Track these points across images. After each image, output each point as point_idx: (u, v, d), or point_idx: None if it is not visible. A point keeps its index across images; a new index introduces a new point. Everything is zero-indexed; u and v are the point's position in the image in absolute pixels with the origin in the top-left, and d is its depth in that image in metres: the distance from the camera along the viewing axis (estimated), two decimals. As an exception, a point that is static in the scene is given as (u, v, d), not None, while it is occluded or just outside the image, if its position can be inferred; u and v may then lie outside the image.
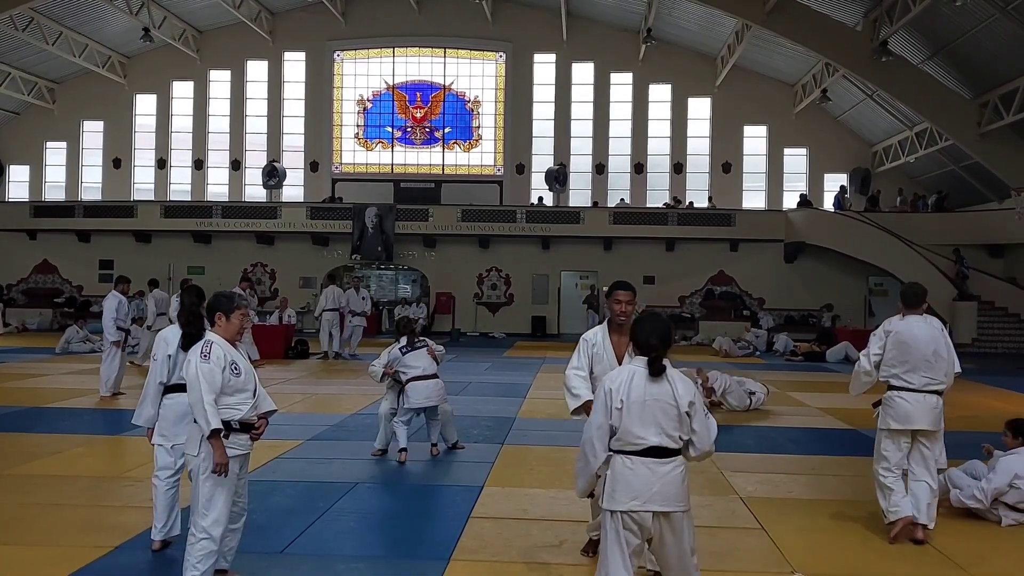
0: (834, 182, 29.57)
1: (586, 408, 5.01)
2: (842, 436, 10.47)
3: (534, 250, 27.84)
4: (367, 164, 31.54)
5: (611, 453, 4.01)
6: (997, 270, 24.94)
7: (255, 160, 31.21)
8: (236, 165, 31.29)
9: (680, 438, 3.95)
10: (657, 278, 27.34)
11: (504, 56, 30.77)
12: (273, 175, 30.46)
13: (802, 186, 29.55)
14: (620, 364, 4.88)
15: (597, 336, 5.31)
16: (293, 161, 31.32)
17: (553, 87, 30.53)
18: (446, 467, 8.35)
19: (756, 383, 12.32)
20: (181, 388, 5.15)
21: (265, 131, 31.24)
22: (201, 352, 4.72)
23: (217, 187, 31.28)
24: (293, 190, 31.20)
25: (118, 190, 30.77)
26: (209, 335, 4.85)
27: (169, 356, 5.55)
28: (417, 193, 29.99)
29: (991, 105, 21.87)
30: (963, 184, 26.40)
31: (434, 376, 8.63)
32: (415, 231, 27.93)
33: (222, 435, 4.66)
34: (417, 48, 31.18)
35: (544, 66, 30.61)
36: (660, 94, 30.17)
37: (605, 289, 23.05)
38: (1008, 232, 24.09)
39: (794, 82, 28.82)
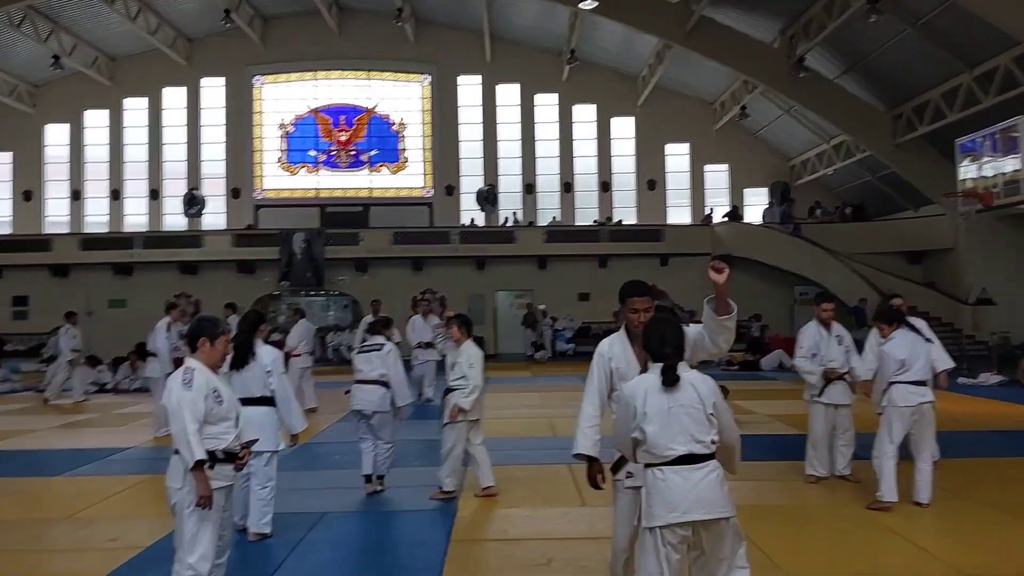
0: (755, 196, 30.35)
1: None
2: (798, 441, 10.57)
3: (468, 271, 27.68)
4: (291, 189, 31.00)
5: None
6: (916, 276, 25.85)
7: (174, 189, 30.36)
8: (155, 194, 30.35)
9: (712, 441, 3.81)
10: (592, 295, 27.47)
11: (429, 78, 30.70)
12: (194, 203, 29.66)
13: (724, 201, 30.18)
14: None
15: (615, 349, 4.45)
16: (214, 188, 30.56)
17: (480, 108, 30.60)
18: (412, 492, 8.01)
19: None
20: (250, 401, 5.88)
21: (184, 158, 30.43)
22: (183, 380, 4.45)
23: (135, 217, 30.28)
24: (214, 218, 30.38)
25: (29, 223, 29.47)
26: (190, 362, 4.57)
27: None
28: (344, 217, 29.56)
29: (905, 117, 22.75)
30: (880, 194, 27.37)
31: (377, 383, 7.84)
32: (346, 255, 27.48)
33: (206, 466, 4.39)
34: (340, 71, 30.89)
35: (469, 88, 30.65)
36: (585, 114, 30.52)
37: (542, 307, 22.75)
38: (925, 239, 25.10)
39: (714, 100, 29.52)
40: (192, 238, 27.96)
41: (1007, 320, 22.11)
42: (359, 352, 8.18)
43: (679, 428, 3.76)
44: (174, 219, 30.15)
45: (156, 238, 27.92)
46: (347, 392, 8.13)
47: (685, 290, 27.61)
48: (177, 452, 4.47)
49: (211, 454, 4.44)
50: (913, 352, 6.97)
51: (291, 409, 6.43)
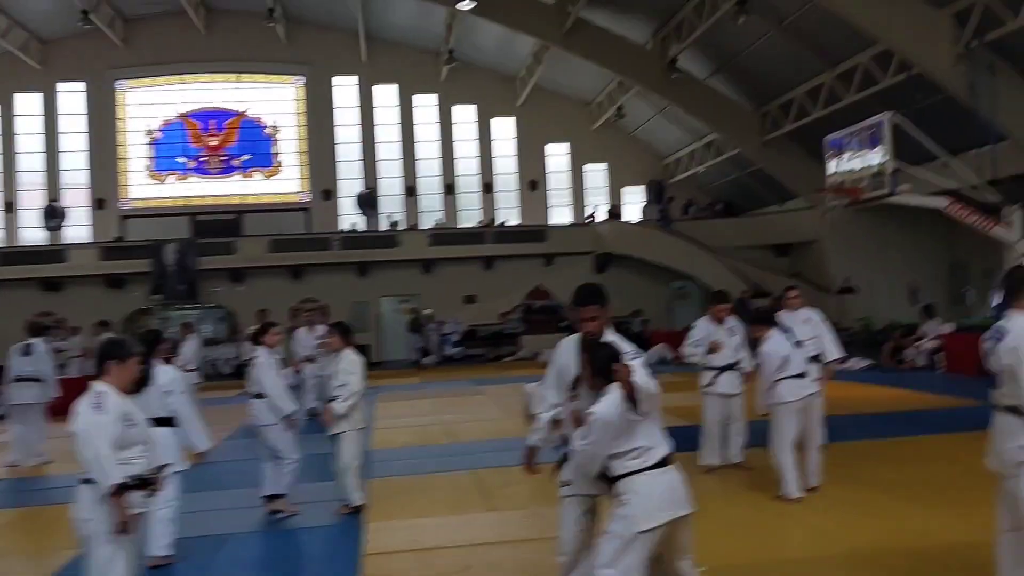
0: (632, 195, 31.10)
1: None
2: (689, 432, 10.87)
3: (351, 277, 27.16)
4: (160, 198, 29.65)
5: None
6: (783, 268, 27.07)
7: (31, 200, 28.53)
8: (9, 207, 28.44)
9: None
10: (478, 297, 27.53)
11: (302, 80, 29.97)
12: (54, 215, 27.98)
13: (604, 200, 30.76)
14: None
15: (569, 349, 4.50)
16: (76, 199, 28.87)
17: (357, 110, 30.09)
18: (316, 507, 7.72)
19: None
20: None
21: (42, 168, 28.66)
22: (93, 403, 4.18)
23: (-12, 232, 28.34)
24: (78, 230, 28.73)
25: None
26: (99, 385, 4.30)
27: None
28: (216, 226, 28.47)
29: (771, 115, 23.79)
30: (748, 190, 28.53)
31: (261, 396, 7.61)
32: (220, 265, 26.51)
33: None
34: (208, 74, 29.75)
35: (345, 89, 30.10)
36: (465, 115, 30.49)
37: (428, 311, 22.56)
38: (791, 232, 26.34)
39: (591, 100, 30.05)
40: (54, 252, 26.37)
41: (868, 307, 23.45)
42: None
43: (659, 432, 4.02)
44: (32, 233, 28.36)
45: (14, 253, 26.18)
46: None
47: (569, 288, 27.96)
48: (86, 481, 4.20)
49: (123, 481, 4.19)
50: (790, 348, 7.29)
51: (195, 428, 6.35)
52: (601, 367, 4.00)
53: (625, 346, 4.20)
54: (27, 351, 11.38)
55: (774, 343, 7.25)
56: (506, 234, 28.07)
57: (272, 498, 7.56)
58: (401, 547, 6.42)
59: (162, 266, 26.04)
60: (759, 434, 8.88)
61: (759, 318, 7.72)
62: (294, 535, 7.14)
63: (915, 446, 9.44)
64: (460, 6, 22.70)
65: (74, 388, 14.93)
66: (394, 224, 28.66)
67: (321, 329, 14.21)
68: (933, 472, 8.06)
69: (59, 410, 13.19)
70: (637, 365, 4.07)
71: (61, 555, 6.60)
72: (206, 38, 28.56)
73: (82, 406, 4.26)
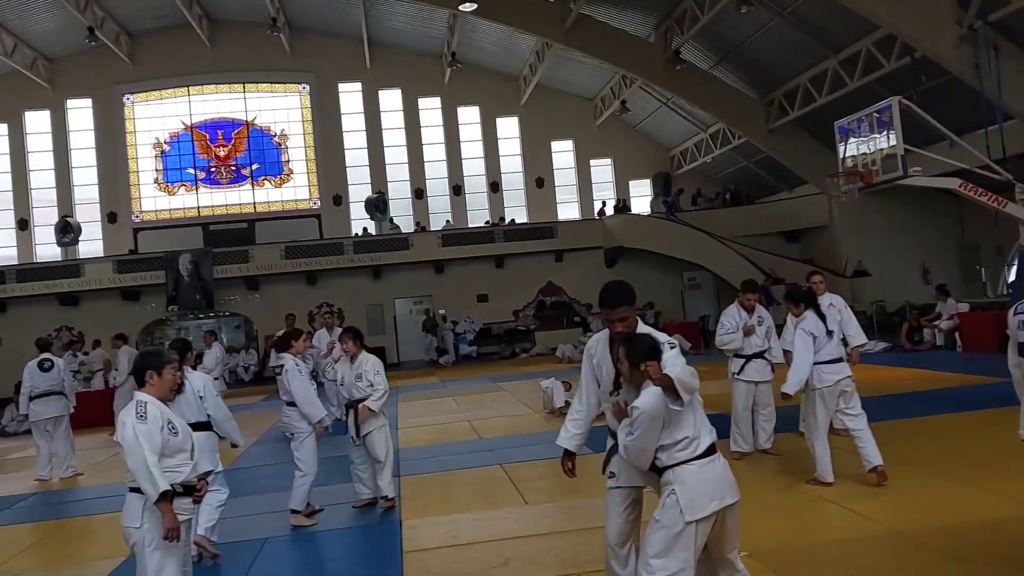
0: (639, 188, 31.18)
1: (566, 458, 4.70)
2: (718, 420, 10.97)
3: (365, 280, 27.35)
4: (171, 210, 29.85)
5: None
6: (795, 253, 27.13)
7: (45, 217, 28.77)
8: (23, 224, 28.70)
9: None
10: (490, 295, 27.68)
11: (307, 87, 30.15)
12: (67, 231, 28.16)
13: (610, 194, 30.85)
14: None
15: (599, 346, 4.56)
16: (88, 214, 29.10)
17: (362, 115, 30.25)
18: (342, 509, 7.87)
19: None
20: None
21: (54, 185, 28.90)
22: (136, 413, 4.29)
23: (3, 250, 28.55)
24: (91, 245, 28.95)
25: None
26: (140, 395, 4.41)
27: None
28: (229, 235, 28.65)
29: (776, 103, 23.81)
30: (756, 178, 28.58)
31: (291, 404, 7.66)
32: (235, 274, 26.72)
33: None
34: (214, 85, 29.93)
35: (350, 95, 30.28)
36: (469, 116, 30.63)
37: (441, 311, 22.80)
38: (802, 218, 26.38)
39: (594, 96, 30.13)
40: (71, 267, 26.58)
41: (880, 289, 23.49)
42: (275, 375, 7.96)
43: (704, 421, 4.07)
44: (46, 249, 28.59)
45: (30, 270, 26.41)
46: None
47: (580, 283, 28.27)
48: (133, 490, 4.30)
49: (169, 488, 4.30)
50: (820, 333, 7.14)
51: (232, 426, 6.76)
52: (640, 360, 4.03)
53: (660, 336, 4.27)
54: (46, 366, 11.54)
55: (811, 323, 7.13)
56: (516, 232, 28.18)
57: (294, 512, 7.50)
58: (440, 543, 6.51)
59: (177, 277, 26.24)
60: (788, 420, 9.04)
61: (796, 296, 7.60)
62: (330, 536, 7.20)
63: (941, 424, 9.51)
64: (462, 7, 22.79)
65: (99, 401, 15.13)
66: (393, 227, 28.70)
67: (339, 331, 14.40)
68: (963, 449, 8.12)
69: (81, 423, 13.47)
70: (673, 355, 4.14)
71: (104, 564, 6.76)
72: (211, 50, 28.76)
73: (125, 416, 4.35)
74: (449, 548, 6.39)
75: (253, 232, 29.13)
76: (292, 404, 7.62)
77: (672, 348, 4.18)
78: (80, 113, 29.21)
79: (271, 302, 26.64)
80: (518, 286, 27.95)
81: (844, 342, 7.90)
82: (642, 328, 4.36)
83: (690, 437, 3.96)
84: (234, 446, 7.04)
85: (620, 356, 4.16)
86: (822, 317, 7.22)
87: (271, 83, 30.19)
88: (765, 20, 20.71)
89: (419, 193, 30.28)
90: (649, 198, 30.55)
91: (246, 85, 30.16)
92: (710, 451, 3.99)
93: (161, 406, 4.43)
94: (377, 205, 28.81)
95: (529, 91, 29.22)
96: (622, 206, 29.36)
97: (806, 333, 7.04)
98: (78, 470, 11.54)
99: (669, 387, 3.86)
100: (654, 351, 4.06)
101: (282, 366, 7.73)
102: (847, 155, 15.32)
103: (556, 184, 31.12)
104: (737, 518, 4.05)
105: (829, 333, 7.15)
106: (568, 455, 4.63)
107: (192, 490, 4.46)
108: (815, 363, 7.04)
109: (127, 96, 29.41)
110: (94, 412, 16.69)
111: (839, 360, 7.14)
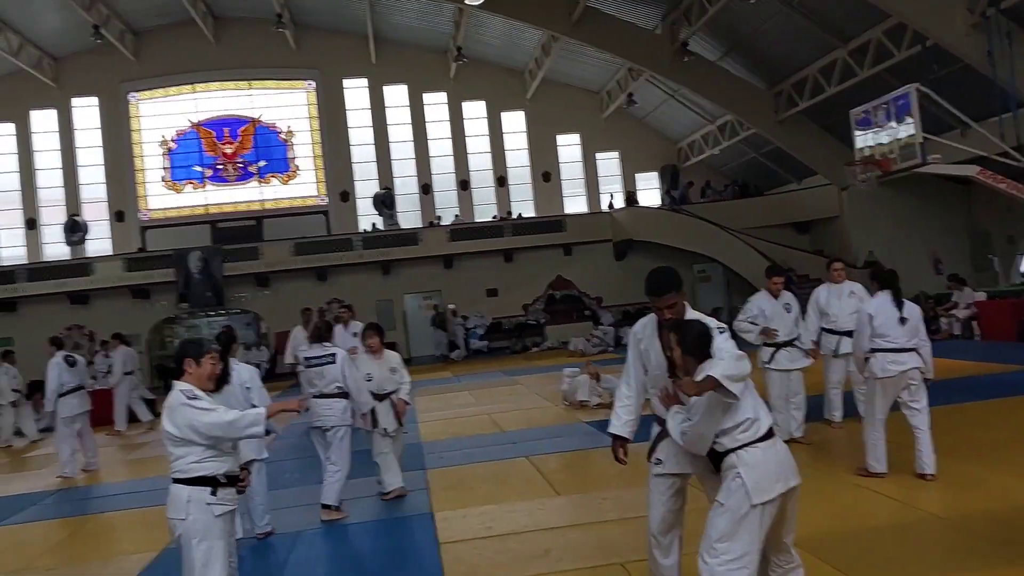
0: (646, 181, 31.11)
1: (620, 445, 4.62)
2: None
3: (374, 276, 27.33)
4: (178, 208, 29.81)
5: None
6: (805, 245, 27.04)
7: (52, 216, 28.75)
8: (31, 224, 28.69)
9: None
10: (500, 290, 27.64)
11: (313, 84, 30.10)
12: (76, 230, 28.16)
13: (618, 188, 30.79)
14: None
15: (646, 330, 4.47)
16: (96, 213, 29.07)
17: (368, 111, 30.19)
18: (377, 500, 7.89)
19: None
20: None
21: (61, 184, 28.87)
22: (187, 396, 4.28)
23: (12, 249, 28.55)
24: (99, 243, 28.94)
25: None
26: (181, 385, 4.38)
27: None
28: (238, 232, 28.62)
29: (785, 94, 23.72)
30: (765, 170, 28.50)
31: (336, 395, 7.58)
32: (245, 271, 26.71)
33: (210, 491, 4.30)
34: (220, 82, 29.88)
35: (356, 91, 30.22)
36: (475, 111, 30.56)
37: (451, 306, 22.78)
38: (811, 209, 26.28)
39: (600, 89, 30.06)
40: (80, 266, 26.56)
41: (893, 279, 23.36)
42: (310, 365, 7.86)
43: (761, 404, 4.04)
44: (55, 248, 28.58)
45: (40, 269, 26.40)
46: (306, 408, 7.88)
47: (590, 277, 28.26)
48: (177, 481, 4.29)
49: (213, 478, 4.31)
50: (888, 318, 6.74)
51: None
52: (693, 346, 4.00)
53: (710, 321, 4.23)
54: (71, 362, 11.61)
55: (881, 302, 6.82)
56: (524, 226, 28.12)
57: (326, 507, 7.42)
58: (476, 534, 6.49)
59: (187, 274, 26.24)
60: (817, 409, 9.01)
61: (879, 276, 7.18)
62: (363, 529, 7.19)
63: (970, 412, 9.46)
64: (469, 2, 22.71)
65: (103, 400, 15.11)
66: (392, 224, 28.64)
67: (356, 325, 14.30)
68: (996, 436, 8.09)
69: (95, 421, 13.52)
70: (723, 339, 4.11)
71: (134, 559, 6.75)
72: (216, 47, 28.72)
73: (175, 400, 4.32)
74: (486, 539, 6.36)
75: (261, 229, 29.10)
76: (324, 396, 7.50)
77: (722, 333, 4.15)
78: (86, 112, 29.17)
79: (281, 299, 26.60)
80: (527, 280, 27.92)
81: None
82: (691, 314, 4.32)
83: (751, 419, 3.93)
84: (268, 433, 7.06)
85: (672, 343, 4.13)
86: (899, 303, 6.78)
87: (277, 80, 30.12)
88: (773, 10, 20.60)
89: (426, 188, 30.24)
90: (658, 191, 30.48)
91: (252, 82, 30.10)
92: (770, 433, 3.96)
93: (203, 395, 4.41)
94: (384, 201, 28.77)
95: (535, 85, 29.15)
96: (630, 199, 29.27)
97: (863, 313, 6.96)
98: (98, 466, 11.63)
99: (715, 389, 3.81)
100: (704, 338, 4.04)
101: (322, 356, 7.60)
102: (865, 144, 15.25)
103: (563, 178, 31.06)
104: (798, 501, 4.02)
105: (902, 320, 6.71)
106: (620, 441, 4.57)
107: (235, 480, 4.44)
108: (876, 350, 6.73)
109: (133, 94, 29.37)
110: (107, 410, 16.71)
111: (906, 350, 6.71)
